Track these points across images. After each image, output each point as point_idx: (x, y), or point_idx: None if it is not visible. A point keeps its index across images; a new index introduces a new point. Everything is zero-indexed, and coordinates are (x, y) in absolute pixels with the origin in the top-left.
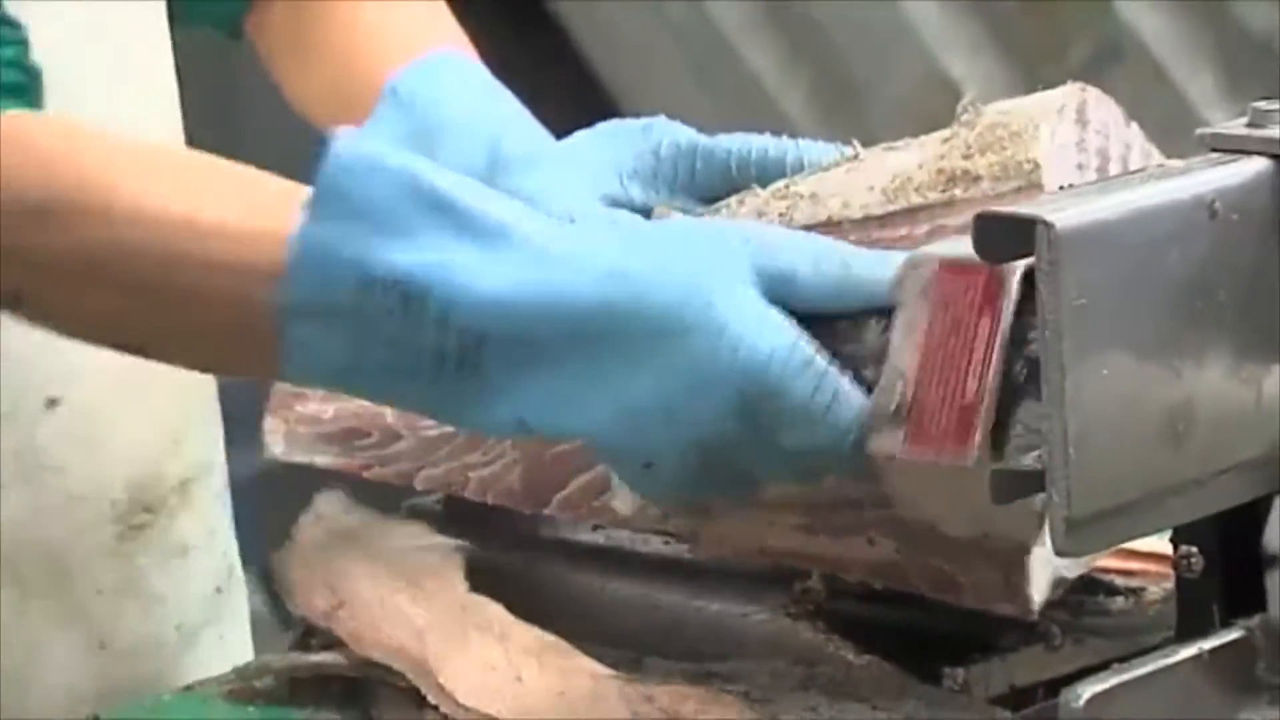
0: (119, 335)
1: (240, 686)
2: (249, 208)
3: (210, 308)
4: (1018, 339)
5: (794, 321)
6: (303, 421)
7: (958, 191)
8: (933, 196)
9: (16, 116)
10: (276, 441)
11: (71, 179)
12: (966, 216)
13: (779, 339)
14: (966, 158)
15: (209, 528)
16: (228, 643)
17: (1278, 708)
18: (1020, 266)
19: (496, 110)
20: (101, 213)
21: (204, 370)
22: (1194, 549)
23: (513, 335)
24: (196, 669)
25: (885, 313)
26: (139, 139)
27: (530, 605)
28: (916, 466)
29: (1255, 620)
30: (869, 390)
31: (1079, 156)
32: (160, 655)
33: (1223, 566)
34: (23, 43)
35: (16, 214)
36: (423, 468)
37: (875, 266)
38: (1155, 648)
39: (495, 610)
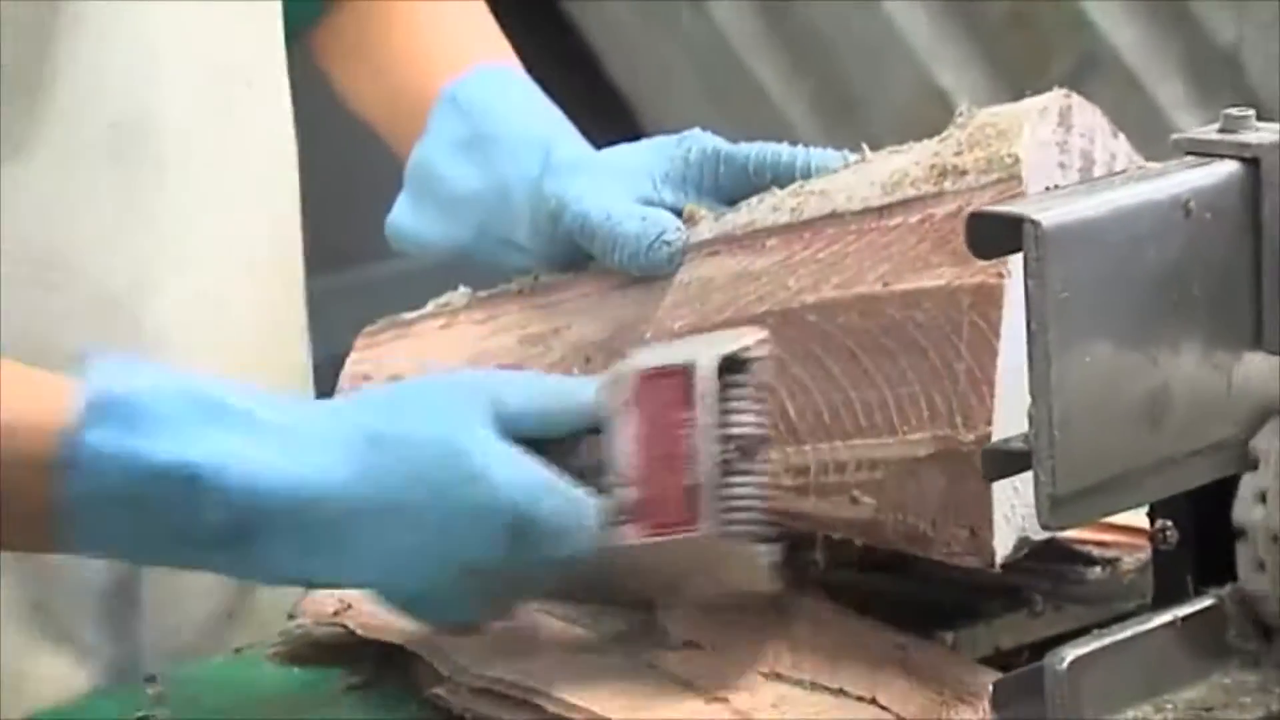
0: None
1: (285, 649)
2: (26, 401)
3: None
4: (724, 424)
5: (531, 452)
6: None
7: (947, 184)
8: (925, 189)
9: None
10: None
11: None
12: (953, 205)
13: (521, 472)
14: (957, 154)
15: None
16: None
17: (1247, 671)
18: (711, 366)
19: (546, 120)
20: None
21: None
22: (1169, 523)
23: (281, 511)
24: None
25: (600, 427)
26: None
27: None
28: (656, 547)
29: (1226, 589)
30: (604, 493)
31: (1061, 156)
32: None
33: (1195, 539)
34: None
35: None
36: None
37: (578, 391)
38: (1131, 614)
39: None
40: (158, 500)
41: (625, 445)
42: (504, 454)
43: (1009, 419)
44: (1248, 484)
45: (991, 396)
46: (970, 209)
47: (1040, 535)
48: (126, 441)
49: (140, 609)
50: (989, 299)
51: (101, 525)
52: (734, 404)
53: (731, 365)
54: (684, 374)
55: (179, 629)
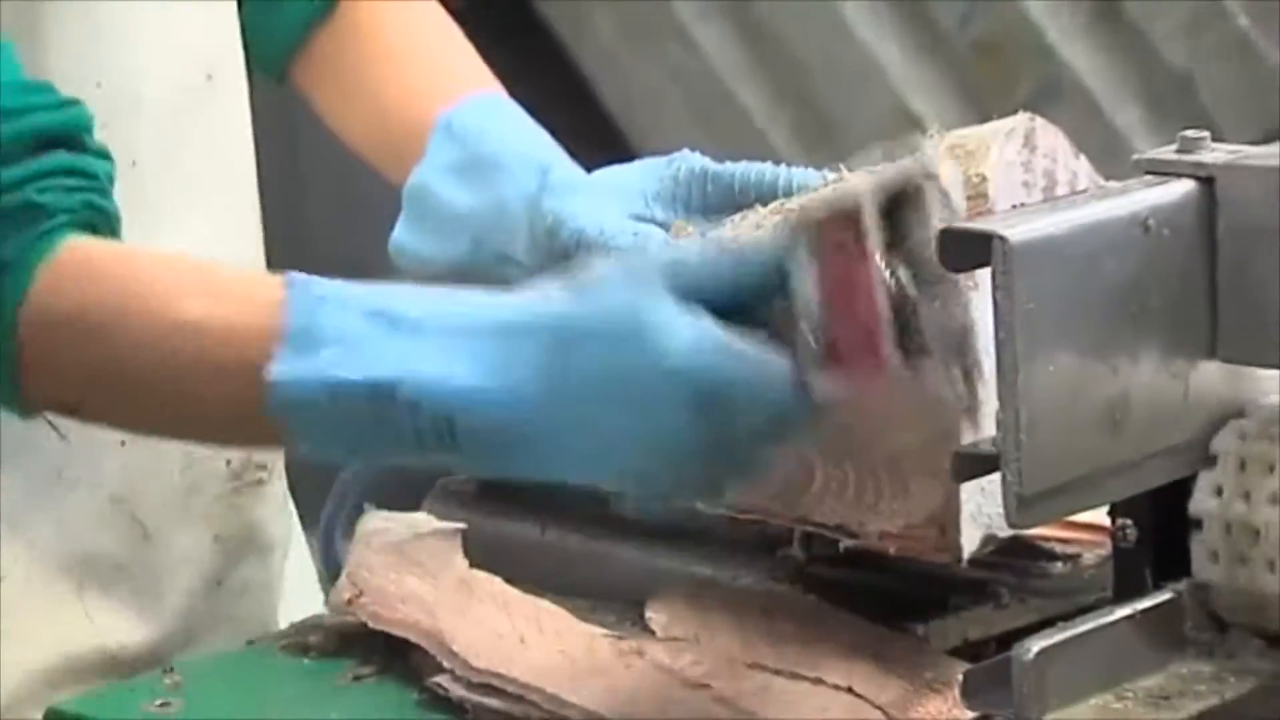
0: (160, 430)
1: (295, 641)
2: (244, 312)
3: (226, 405)
4: (902, 257)
5: (716, 319)
6: None
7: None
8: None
9: (80, 245)
10: None
11: (117, 299)
12: None
13: (709, 340)
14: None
15: None
16: (307, 592)
17: (1203, 661)
18: (870, 195)
19: (539, 143)
20: (139, 328)
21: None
22: (1129, 521)
23: (477, 412)
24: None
25: (782, 281)
26: (175, 258)
27: (543, 569)
28: (854, 403)
29: (1182, 584)
30: (794, 350)
31: (1025, 175)
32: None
33: (1154, 537)
34: (103, 180)
35: (77, 330)
36: None
37: (752, 250)
38: (1093, 607)
39: (496, 584)
40: (355, 414)
41: (807, 297)
42: (689, 325)
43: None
44: (1205, 479)
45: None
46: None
47: (1006, 533)
48: (318, 365)
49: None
50: (957, 305)
51: (315, 436)
52: (908, 236)
53: (898, 198)
54: (853, 215)
55: None
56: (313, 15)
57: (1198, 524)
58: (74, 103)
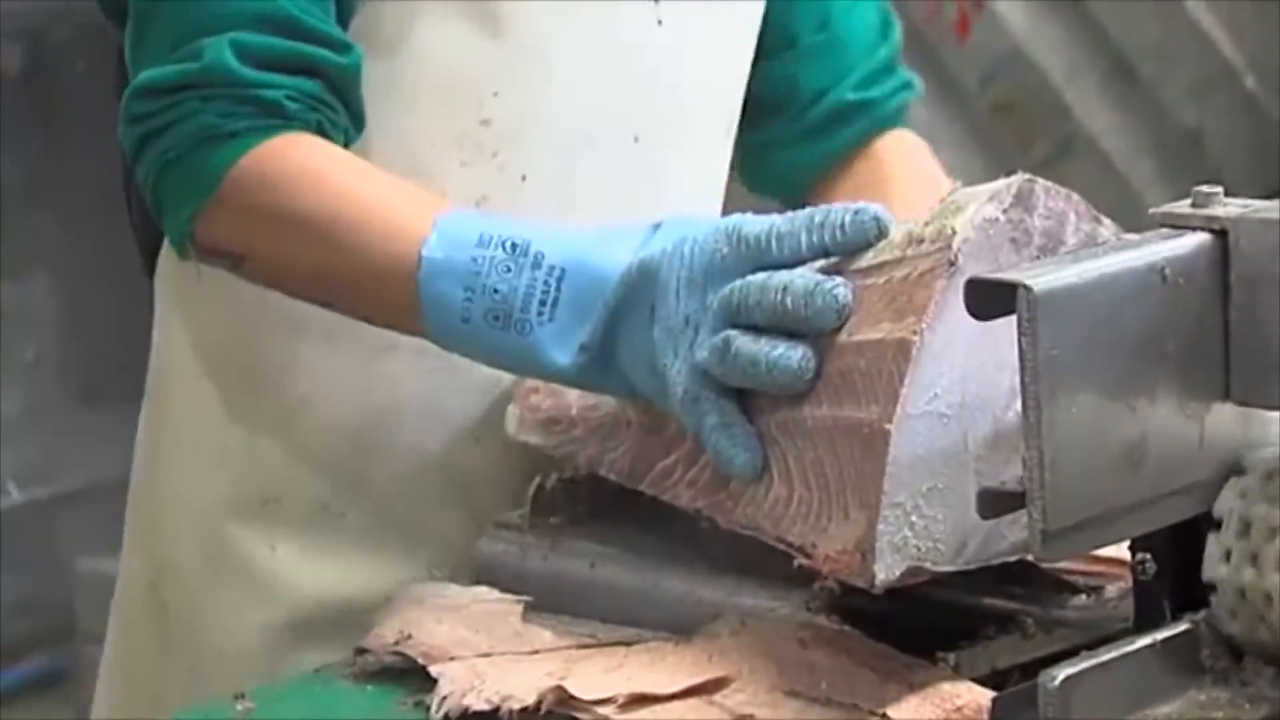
0: (311, 288)
1: (358, 670)
2: (411, 198)
3: (379, 264)
4: None
5: None
6: (528, 409)
7: (909, 251)
8: (896, 254)
9: (300, 135)
10: (512, 423)
11: (309, 171)
12: (906, 270)
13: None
14: (925, 225)
15: None
16: None
17: (1219, 688)
18: None
19: None
20: (315, 190)
21: (368, 320)
22: (1148, 555)
23: (575, 274)
24: None
25: None
26: (363, 162)
27: (594, 604)
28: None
29: (1200, 615)
30: None
31: (1014, 233)
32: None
33: (1172, 570)
34: (345, 72)
35: (262, 186)
36: (584, 450)
37: None
38: (1114, 637)
39: (547, 635)
40: (490, 263)
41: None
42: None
43: (924, 455)
44: (1213, 543)
45: (885, 444)
46: (918, 273)
47: (941, 568)
48: (472, 218)
49: None
50: (904, 352)
51: (446, 293)
52: None
53: None
54: None
55: None
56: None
57: (1212, 587)
58: (348, 49)
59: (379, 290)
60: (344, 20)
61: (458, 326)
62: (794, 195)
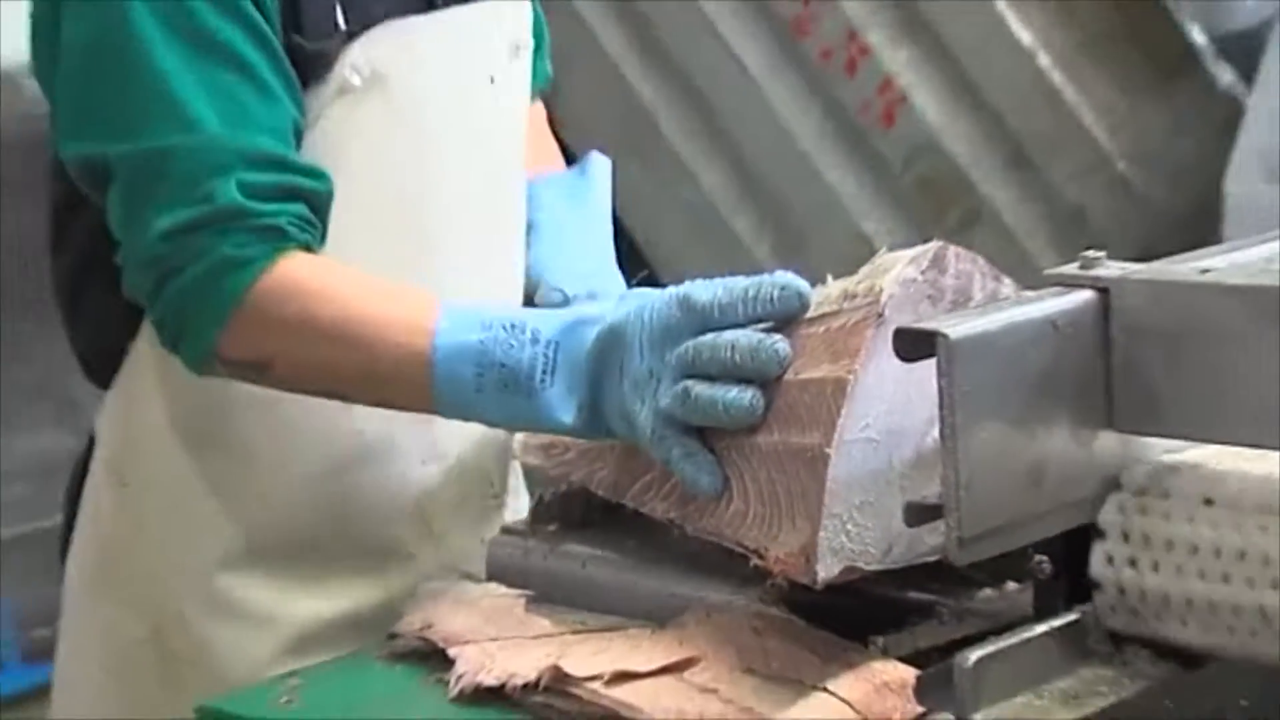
0: (330, 384)
1: (389, 653)
2: (406, 297)
3: (393, 356)
4: None
5: None
6: (530, 437)
7: (845, 304)
8: (833, 307)
9: (302, 256)
10: (517, 447)
11: (317, 284)
12: (843, 320)
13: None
14: (858, 284)
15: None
16: None
17: (1104, 667)
18: None
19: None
20: (327, 300)
21: (380, 405)
22: (1045, 558)
23: (562, 350)
24: None
25: None
26: (360, 273)
27: (585, 597)
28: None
29: (1087, 607)
30: None
31: (930, 291)
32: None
33: (1065, 569)
34: (321, 195)
35: (288, 306)
36: (576, 471)
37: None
38: (1017, 625)
39: (545, 623)
40: (494, 341)
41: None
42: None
43: (857, 474)
44: (1098, 549)
45: (826, 465)
46: (852, 323)
47: (871, 567)
48: (474, 310)
49: None
50: (841, 389)
51: (456, 373)
52: None
53: None
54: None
55: None
56: None
57: (1096, 585)
58: (323, 176)
59: (394, 379)
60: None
61: (471, 398)
62: None
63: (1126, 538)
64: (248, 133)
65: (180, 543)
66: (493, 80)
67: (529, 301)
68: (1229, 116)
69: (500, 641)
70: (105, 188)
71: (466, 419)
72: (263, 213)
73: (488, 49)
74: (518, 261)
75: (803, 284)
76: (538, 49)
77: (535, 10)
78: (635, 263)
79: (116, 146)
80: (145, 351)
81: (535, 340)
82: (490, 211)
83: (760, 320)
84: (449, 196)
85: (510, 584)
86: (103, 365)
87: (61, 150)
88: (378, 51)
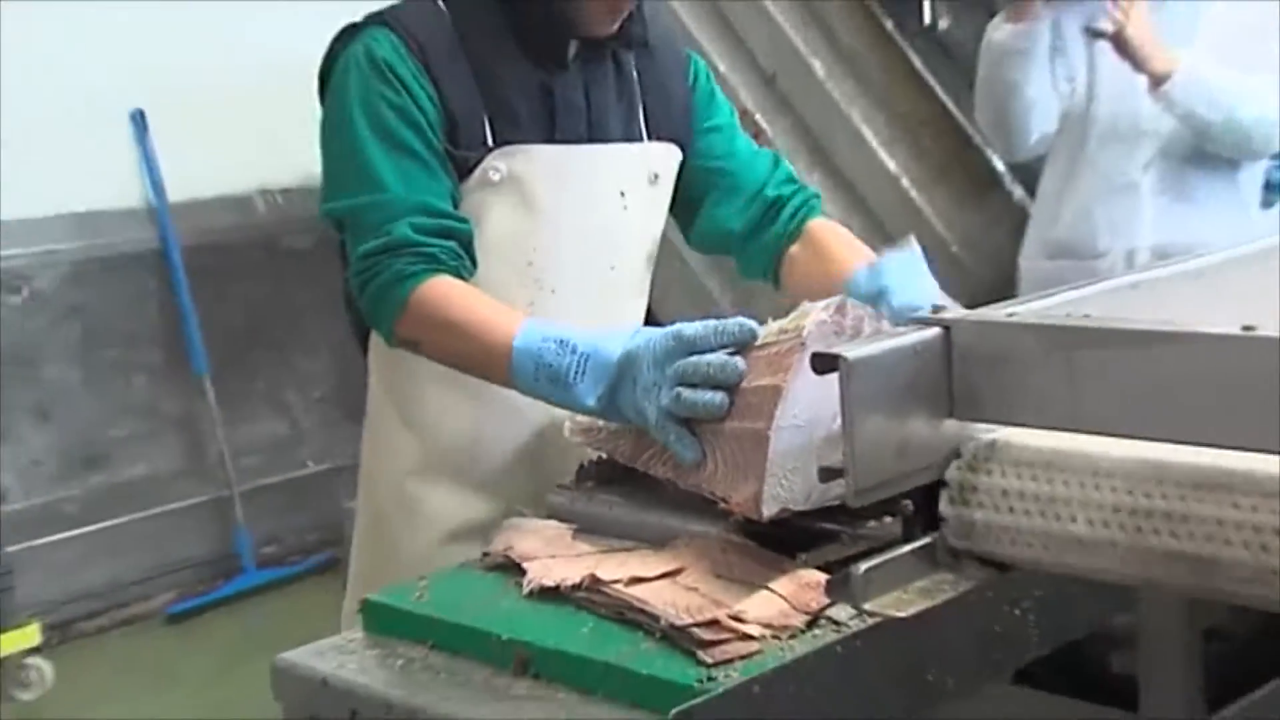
0: (454, 360)
1: (483, 566)
2: (503, 313)
3: (491, 349)
4: None
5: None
6: (575, 423)
7: (782, 337)
8: (773, 339)
9: (446, 278)
10: (567, 430)
11: (452, 297)
12: (779, 347)
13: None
14: (790, 323)
15: None
16: None
17: (948, 572)
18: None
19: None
20: (457, 308)
21: (482, 378)
22: (909, 502)
23: (592, 360)
24: None
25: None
26: (480, 293)
27: (612, 529)
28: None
29: (936, 534)
30: None
31: (836, 329)
32: None
33: (922, 509)
34: (466, 236)
35: (432, 306)
36: (605, 446)
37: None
38: (891, 545)
39: (581, 543)
40: (549, 351)
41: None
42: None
43: (789, 448)
44: (943, 495)
45: (767, 443)
46: (785, 349)
47: (798, 507)
48: (541, 325)
49: None
50: (777, 393)
51: (525, 368)
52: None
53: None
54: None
55: None
56: (793, 238)
57: (943, 519)
58: (468, 222)
59: (489, 366)
60: (455, 207)
61: (531, 384)
62: (768, 274)
63: (961, 488)
64: (416, 194)
65: (387, 460)
66: (623, 194)
67: None
68: (1021, 217)
69: (556, 558)
70: (342, 231)
71: (534, 397)
72: (424, 244)
73: (619, 172)
74: (626, 316)
75: (754, 324)
76: (796, 190)
77: (782, 165)
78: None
79: (342, 203)
80: (375, 340)
81: (574, 351)
82: (604, 288)
83: (726, 347)
84: (565, 270)
85: (562, 520)
86: (362, 341)
87: (321, 210)
88: (514, 161)
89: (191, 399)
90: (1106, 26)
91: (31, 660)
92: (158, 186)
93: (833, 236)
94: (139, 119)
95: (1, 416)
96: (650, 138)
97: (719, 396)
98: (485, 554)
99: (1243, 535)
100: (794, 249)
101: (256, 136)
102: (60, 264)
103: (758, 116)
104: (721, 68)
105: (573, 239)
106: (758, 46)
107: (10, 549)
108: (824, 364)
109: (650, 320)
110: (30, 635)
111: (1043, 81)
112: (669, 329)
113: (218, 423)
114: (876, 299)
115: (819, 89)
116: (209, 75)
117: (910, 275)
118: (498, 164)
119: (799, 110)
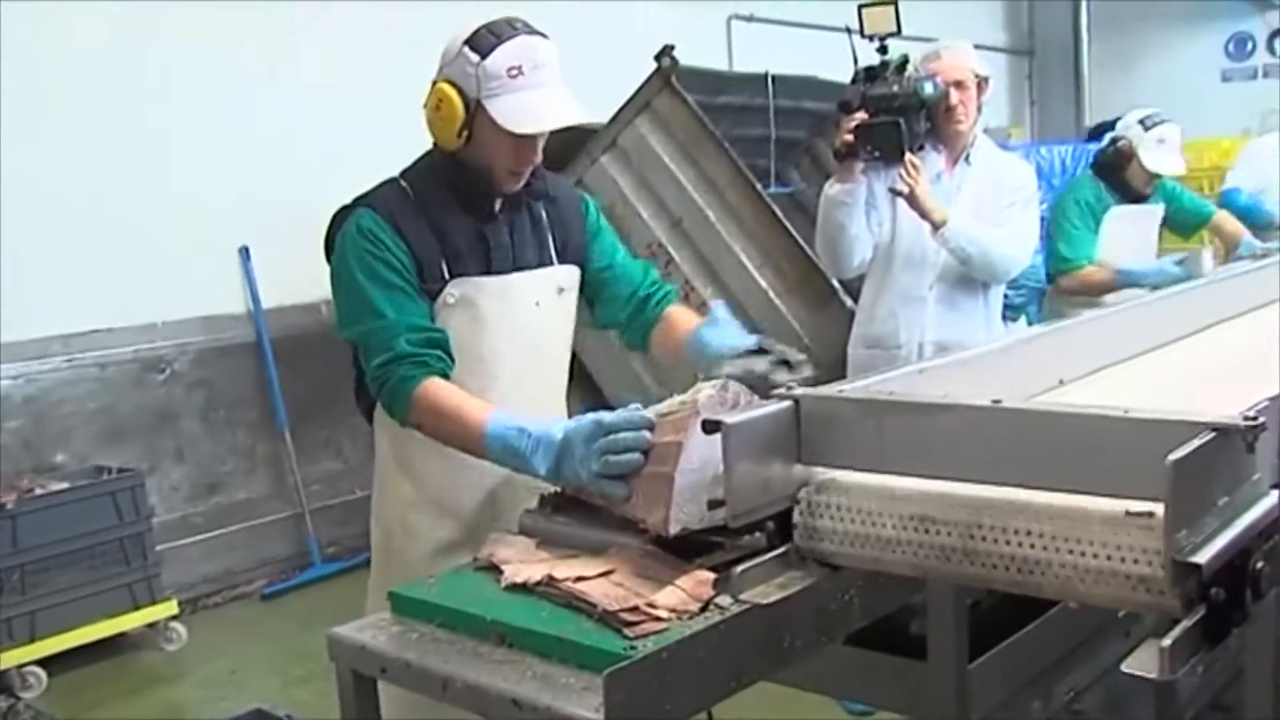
0: (444, 438)
1: (475, 567)
2: (478, 407)
3: (469, 434)
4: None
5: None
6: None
7: (680, 408)
8: (675, 408)
9: (438, 381)
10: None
11: (440, 394)
12: (683, 413)
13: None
14: (690, 397)
15: None
16: None
17: (798, 570)
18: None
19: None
20: (444, 402)
21: (466, 452)
22: (771, 522)
23: (542, 443)
24: None
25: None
26: (462, 393)
27: (562, 542)
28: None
29: (791, 543)
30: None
31: (721, 403)
32: None
33: (779, 528)
34: (449, 364)
35: (429, 403)
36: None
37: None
38: (760, 553)
39: (543, 552)
40: (512, 435)
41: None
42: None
43: (687, 485)
44: (795, 513)
45: (673, 483)
46: (684, 415)
47: (695, 526)
48: (506, 417)
49: None
50: (679, 447)
51: (496, 446)
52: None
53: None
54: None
55: None
56: (656, 320)
57: (795, 526)
58: (443, 331)
59: (468, 444)
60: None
61: (500, 458)
62: (644, 345)
63: (809, 505)
64: (406, 317)
65: (392, 499)
66: (537, 304)
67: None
68: (849, 319)
69: (525, 562)
70: (356, 350)
71: (502, 466)
72: (418, 354)
73: (536, 289)
74: (555, 395)
75: (650, 415)
76: (659, 287)
77: (649, 272)
78: (597, 394)
79: (354, 330)
80: (379, 414)
81: (529, 436)
82: (533, 369)
83: (635, 427)
84: (504, 360)
85: (529, 535)
86: (368, 417)
87: (340, 335)
88: (464, 288)
89: (276, 445)
90: (902, 188)
91: (173, 625)
92: (255, 297)
93: (682, 317)
94: (245, 252)
95: (152, 456)
96: (559, 261)
97: (635, 456)
98: (475, 559)
99: (993, 535)
100: (657, 328)
101: (324, 261)
102: (190, 351)
103: (669, 248)
104: (644, 214)
105: (508, 339)
106: (669, 198)
107: (159, 547)
108: (711, 427)
109: (593, 388)
110: (171, 607)
111: (862, 224)
112: (592, 416)
113: (294, 461)
114: (704, 348)
115: (711, 229)
116: (295, 211)
117: (721, 329)
118: (453, 291)
119: (697, 244)
